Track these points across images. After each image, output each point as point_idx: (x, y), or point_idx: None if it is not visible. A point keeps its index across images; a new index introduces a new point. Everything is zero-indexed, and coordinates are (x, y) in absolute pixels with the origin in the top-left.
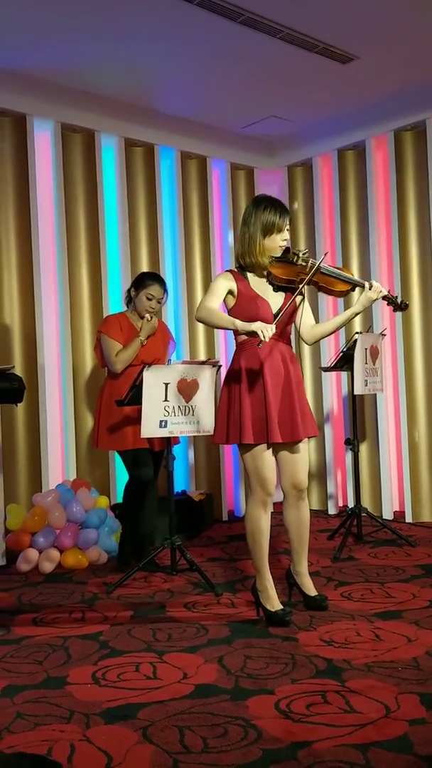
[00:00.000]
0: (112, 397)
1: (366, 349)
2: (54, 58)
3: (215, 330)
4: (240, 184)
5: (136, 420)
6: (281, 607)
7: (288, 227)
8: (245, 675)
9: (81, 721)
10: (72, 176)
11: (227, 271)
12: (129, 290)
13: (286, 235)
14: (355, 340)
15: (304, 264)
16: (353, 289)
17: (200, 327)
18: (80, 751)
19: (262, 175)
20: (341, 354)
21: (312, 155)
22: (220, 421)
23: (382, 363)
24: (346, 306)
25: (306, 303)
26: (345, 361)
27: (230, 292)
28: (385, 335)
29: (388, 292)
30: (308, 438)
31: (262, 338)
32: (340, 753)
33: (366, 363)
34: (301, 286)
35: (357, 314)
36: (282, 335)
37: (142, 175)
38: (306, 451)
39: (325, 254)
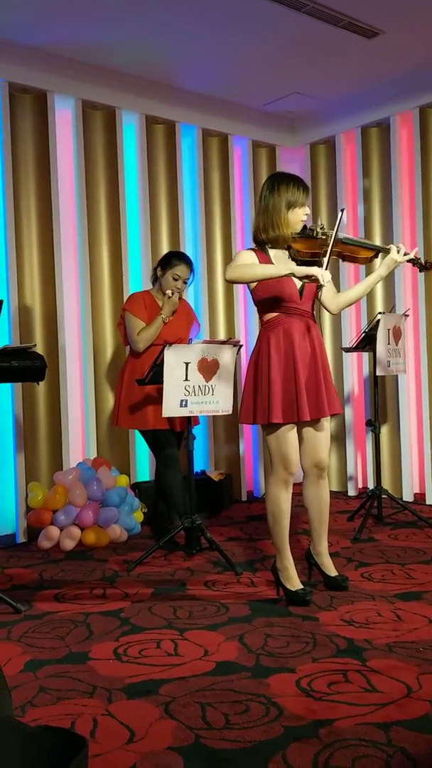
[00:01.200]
0: (134, 376)
1: (389, 329)
2: (75, 35)
3: (235, 309)
4: (261, 162)
5: (157, 400)
6: (301, 586)
7: (309, 204)
8: (266, 653)
9: (103, 696)
10: (93, 154)
11: (248, 249)
12: (155, 269)
13: (307, 210)
14: (378, 321)
15: (324, 237)
16: (377, 256)
17: (221, 307)
18: (103, 726)
19: (284, 152)
20: (363, 334)
21: (335, 132)
22: (246, 400)
23: (404, 344)
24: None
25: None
26: (367, 342)
27: None
28: (408, 315)
29: (415, 252)
30: (332, 416)
31: (322, 282)
32: (361, 731)
33: (389, 344)
34: (327, 256)
35: (382, 278)
36: (306, 311)
37: (163, 152)
38: (328, 429)
39: (342, 210)
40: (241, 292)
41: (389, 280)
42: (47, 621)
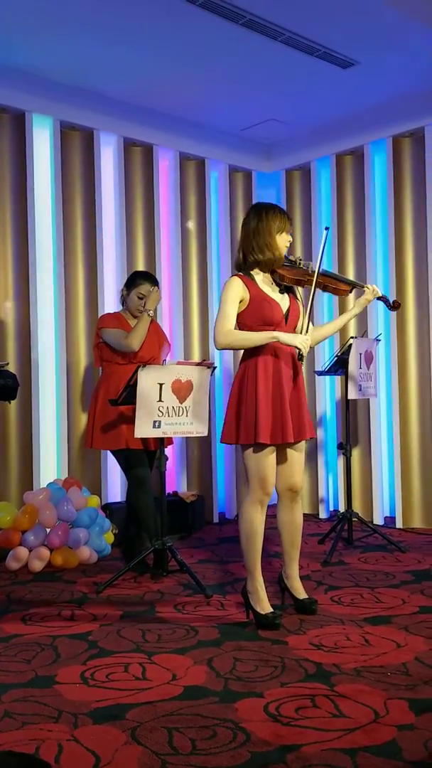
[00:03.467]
0: (108, 396)
1: (360, 354)
2: (54, 56)
3: (210, 331)
4: (237, 186)
5: (131, 419)
6: (271, 609)
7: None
8: (234, 677)
9: (69, 721)
10: (70, 174)
11: (235, 276)
12: (122, 290)
13: (290, 237)
14: (350, 345)
15: (305, 268)
16: (352, 290)
17: (195, 328)
18: (68, 751)
19: (260, 178)
20: (336, 358)
21: (310, 159)
22: (229, 421)
23: (376, 368)
24: (341, 308)
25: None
26: (339, 366)
27: (241, 300)
28: (379, 340)
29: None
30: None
31: (303, 353)
32: (328, 757)
33: (360, 368)
34: (313, 285)
35: (356, 315)
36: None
37: (141, 174)
38: (303, 453)
39: (327, 229)
40: (216, 315)
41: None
42: (13, 644)
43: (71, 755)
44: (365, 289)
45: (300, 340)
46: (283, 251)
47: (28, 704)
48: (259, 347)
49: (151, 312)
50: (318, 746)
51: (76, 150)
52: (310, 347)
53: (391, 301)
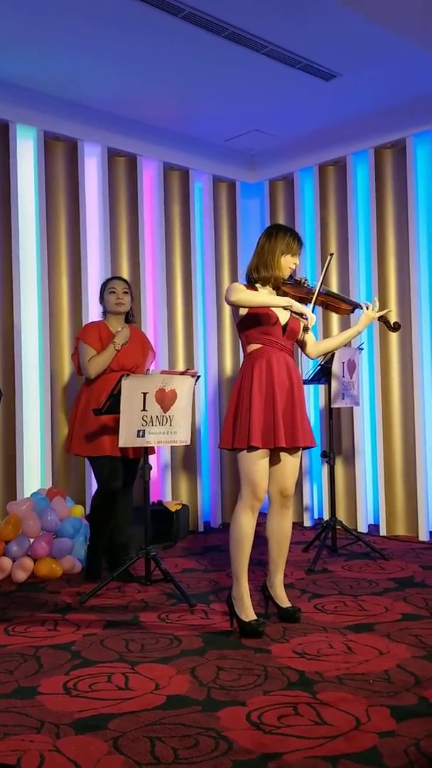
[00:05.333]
0: (89, 404)
1: (343, 363)
2: (38, 67)
3: (194, 341)
4: (222, 197)
5: (111, 428)
6: (255, 617)
7: (299, 256)
8: (217, 686)
9: (51, 732)
10: (54, 184)
11: (241, 283)
12: (100, 301)
13: (297, 260)
14: (333, 354)
15: (307, 287)
16: (353, 310)
17: (179, 337)
18: (50, 761)
19: (244, 188)
20: (319, 367)
21: (293, 170)
22: (226, 427)
23: (359, 377)
24: (342, 325)
25: None
26: (323, 375)
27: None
28: (362, 349)
29: (385, 312)
30: (303, 449)
31: (309, 324)
32: (309, 765)
33: (343, 377)
34: (313, 302)
35: (359, 333)
36: (287, 347)
37: (125, 184)
38: (298, 460)
39: (331, 255)
40: (200, 324)
41: (344, 316)
42: None
43: (53, 766)
44: (366, 306)
45: (309, 310)
46: (286, 272)
47: (10, 715)
48: (254, 356)
49: (119, 346)
50: (299, 754)
51: (61, 160)
52: (317, 357)
53: (391, 323)
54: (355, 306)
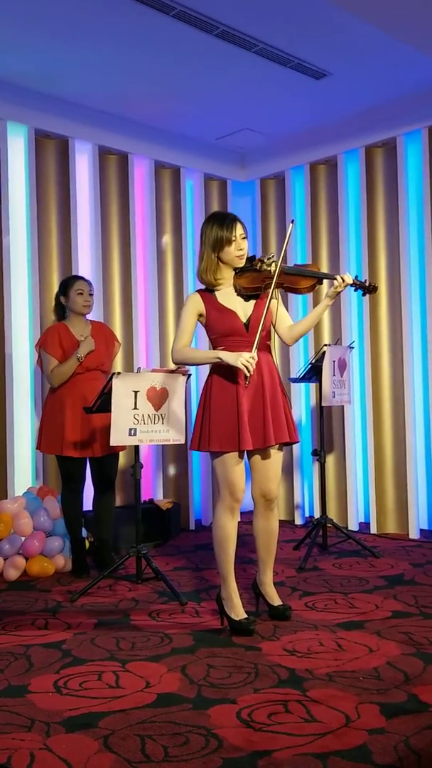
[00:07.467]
0: (54, 406)
1: (334, 361)
2: (29, 64)
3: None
4: (213, 195)
5: (71, 430)
6: (245, 616)
7: (243, 235)
8: (208, 684)
9: (41, 730)
10: (45, 182)
11: (195, 292)
12: (58, 299)
13: (241, 244)
14: (324, 352)
15: (267, 269)
16: (320, 282)
17: (170, 335)
18: (40, 760)
19: (235, 186)
20: (309, 365)
21: (284, 168)
22: (196, 428)
23: (349, 375)
24: (316, 302)
25: (281, 305)
26: (313, 373)
27: (200, 315)
28: (353, 348)
29: (356, 278)
30: (281, 447)
31: (247, 374)
32: (299, 762)
33: (334, 375)
34: (269, 290)
35: (328, 306)
36: (261, 344)
37: (116, 183)
38: (278, 461)
39: (292, 221)
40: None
41: (335, 313)
42: None
43: (43, 764)
44: (335, 279)
45: (244, 359)
46: (237, 262)
47: (0, 714)
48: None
49: (81, 357)
50: (289, 751)
51: (51, 158)
52: (294, 342)
53: (366, 284)
54: (322, 278)
